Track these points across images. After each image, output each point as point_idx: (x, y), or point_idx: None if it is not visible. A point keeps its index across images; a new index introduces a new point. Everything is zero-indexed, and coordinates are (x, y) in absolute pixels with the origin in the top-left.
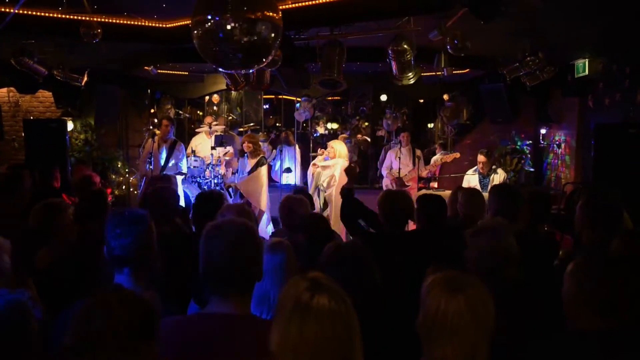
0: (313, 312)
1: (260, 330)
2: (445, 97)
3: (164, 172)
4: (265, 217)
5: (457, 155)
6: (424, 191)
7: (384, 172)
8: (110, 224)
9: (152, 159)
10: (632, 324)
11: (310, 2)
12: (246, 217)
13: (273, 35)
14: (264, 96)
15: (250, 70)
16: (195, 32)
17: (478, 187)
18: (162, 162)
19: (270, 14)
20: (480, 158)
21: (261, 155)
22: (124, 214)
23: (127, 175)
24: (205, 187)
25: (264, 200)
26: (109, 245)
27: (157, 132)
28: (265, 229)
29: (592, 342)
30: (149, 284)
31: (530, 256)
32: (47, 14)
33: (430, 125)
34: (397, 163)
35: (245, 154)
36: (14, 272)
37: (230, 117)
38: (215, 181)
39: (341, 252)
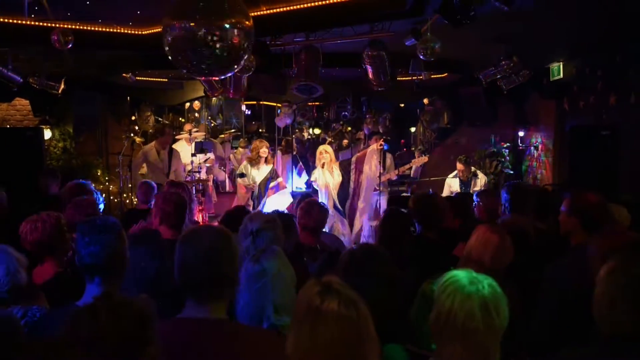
0: (322, 317)
1: (235, 334)
2: (426, 101)
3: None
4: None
5: (426, 159)
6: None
7: None
8: (80, 232)
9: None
10: None
11: (284, 9)
12: None
13: (244, 41)
14: (245, 102)
15: (223, 77)
16: (166, 38)
17: (459, 191)
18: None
19: (241, 20)
20: (459, 166)
21: (273, 166)
22: (95, 222)
23: (107, 184)
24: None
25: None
26: (79, 253)
27: (138, 139)
28: None
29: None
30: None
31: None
32: (17, 21)
33: (412, 129)
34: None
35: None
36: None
37: (213, 124)
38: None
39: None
